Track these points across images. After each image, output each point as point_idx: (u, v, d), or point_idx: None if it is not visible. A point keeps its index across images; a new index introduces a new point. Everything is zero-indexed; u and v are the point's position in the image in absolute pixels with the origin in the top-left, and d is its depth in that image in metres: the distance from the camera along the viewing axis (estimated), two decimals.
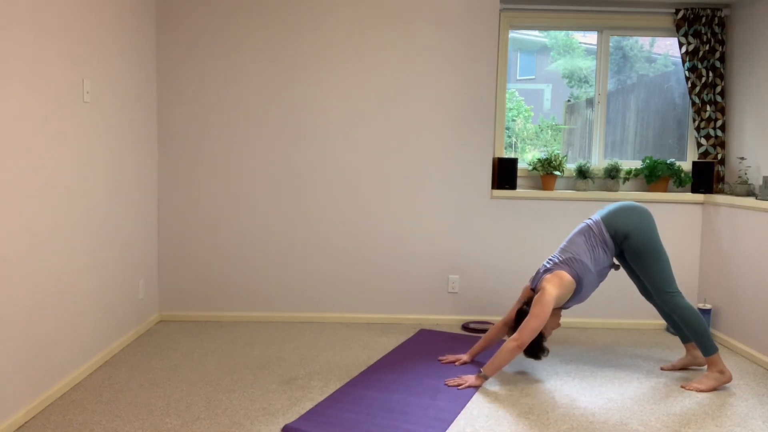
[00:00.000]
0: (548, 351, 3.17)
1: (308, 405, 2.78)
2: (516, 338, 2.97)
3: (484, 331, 4.03)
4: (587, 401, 2.91)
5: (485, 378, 3.03)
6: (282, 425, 2.57)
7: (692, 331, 3.09)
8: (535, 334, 2.98)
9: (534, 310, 3.00)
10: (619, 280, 4.17)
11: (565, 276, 3.08)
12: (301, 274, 4.17)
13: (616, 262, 3.33)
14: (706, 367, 3.30)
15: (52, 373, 2.79)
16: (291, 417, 2.65)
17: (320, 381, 3.08)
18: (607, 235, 3.15)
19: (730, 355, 3.65)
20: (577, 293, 3.14)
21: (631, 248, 3.13)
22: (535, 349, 3.12)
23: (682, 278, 4.19)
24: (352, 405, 2.76)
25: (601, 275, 3.19)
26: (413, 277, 4.19)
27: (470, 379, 3.04)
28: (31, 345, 2.62)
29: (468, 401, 2.85)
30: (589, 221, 3.22)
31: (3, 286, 2.40)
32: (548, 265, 3.17)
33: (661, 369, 3.36)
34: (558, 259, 3.16)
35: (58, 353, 2.84)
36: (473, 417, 2.69)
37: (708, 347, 3.08)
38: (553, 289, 3.03)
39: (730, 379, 3.10)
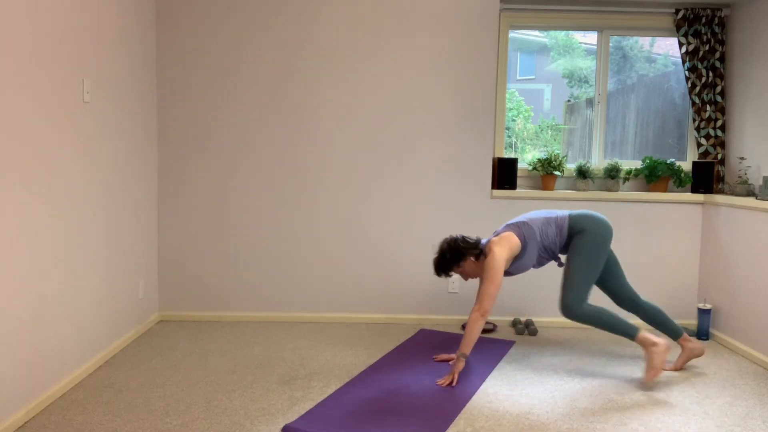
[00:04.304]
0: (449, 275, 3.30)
1: (308, 405, 2.78)
2: (478, 308, 3.04)
3: (484, 331, 4.02)
4: (587, 401, 2.91)
5: (464, 356, 3.07)
6: (282, 425, 2.57)
7: (608, 330, 3.20)
8: (494, 299, 3.05)
9: (487, 274, 3.07)
10: None
11: (513, 237, 3.20)
12: (301, 274, 4.17)
13: (560, 257, 3.39)
14: (705, 359, 3.30)
15: (52, 373, 2.79)
16: (291, 417, 2.65)
17: (320, 381, 3.08)
18: (565, 224, 3.27)
19: (730, 355, 3.65)
20: (519, 258, 3.24)
21: (578, 241, 3.21)
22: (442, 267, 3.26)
23: (682, 278, 4.19)
24: (352, 405, 2.76)
25: (545, 252, 3.28)
26: (413, 277, 4.19)
27: (454, 368, 3.07)
28: (32, 345, 2.62)
29: (468, 401, 2.85)
30: (559, 212, 3.35)
31: (3, 286, 2.40)
32: (498, 230, 3.33)
33: (663, 370, 3.36)
34: (508, 224, 3.31)
35: (58, 353, 2.84)
36: (473, 417, 2.69)
37: (629, 333, 3.15)
38: (501, 250, 3.13)
39: (665, 349, 3.08)
